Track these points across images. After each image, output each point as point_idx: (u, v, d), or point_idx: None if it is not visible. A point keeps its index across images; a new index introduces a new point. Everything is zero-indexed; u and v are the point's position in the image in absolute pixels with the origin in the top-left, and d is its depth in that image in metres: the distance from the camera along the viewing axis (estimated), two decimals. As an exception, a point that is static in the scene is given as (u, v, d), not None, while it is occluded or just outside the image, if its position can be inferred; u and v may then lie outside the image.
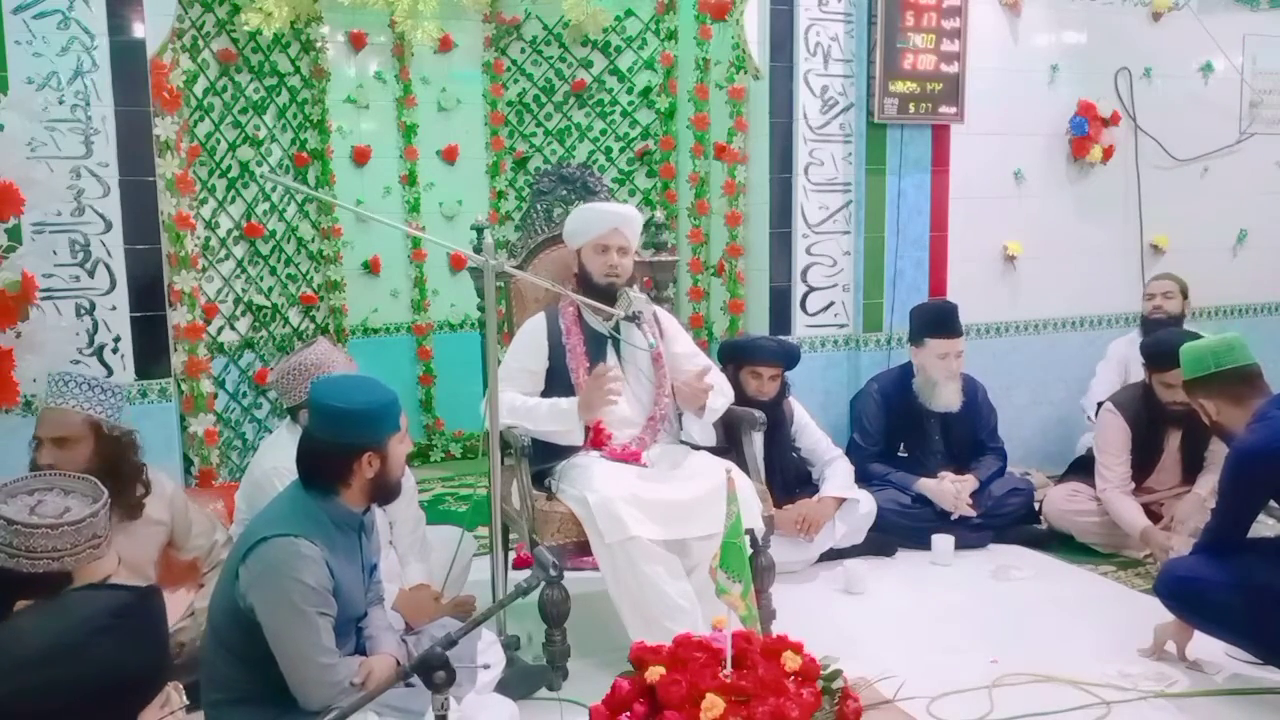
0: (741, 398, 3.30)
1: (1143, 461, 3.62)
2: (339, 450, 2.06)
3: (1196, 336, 3.15)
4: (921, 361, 3.76)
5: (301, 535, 1.99)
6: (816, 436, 3.65)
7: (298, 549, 1.97)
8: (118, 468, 2.42)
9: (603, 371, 2.79)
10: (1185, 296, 4.22)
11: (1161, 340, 3.46)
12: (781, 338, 3.87)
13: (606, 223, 2.93)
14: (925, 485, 3.67)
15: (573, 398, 2.83)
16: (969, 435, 3.81)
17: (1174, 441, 3.61)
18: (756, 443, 3.11)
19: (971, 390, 3.83)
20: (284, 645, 1.96)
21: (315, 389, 2.14)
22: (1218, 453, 3.53)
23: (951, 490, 3.63)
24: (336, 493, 2.09)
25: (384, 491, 2.15)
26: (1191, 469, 3.63)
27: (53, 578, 1.62)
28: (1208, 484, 3.49)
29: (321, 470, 2.08)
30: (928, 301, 4.07)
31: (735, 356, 3.51)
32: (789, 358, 3.56)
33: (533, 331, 2.98)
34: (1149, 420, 3.57)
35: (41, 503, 1.67)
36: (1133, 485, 3.60)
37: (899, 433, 3.80)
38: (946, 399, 3.75)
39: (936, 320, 3.76)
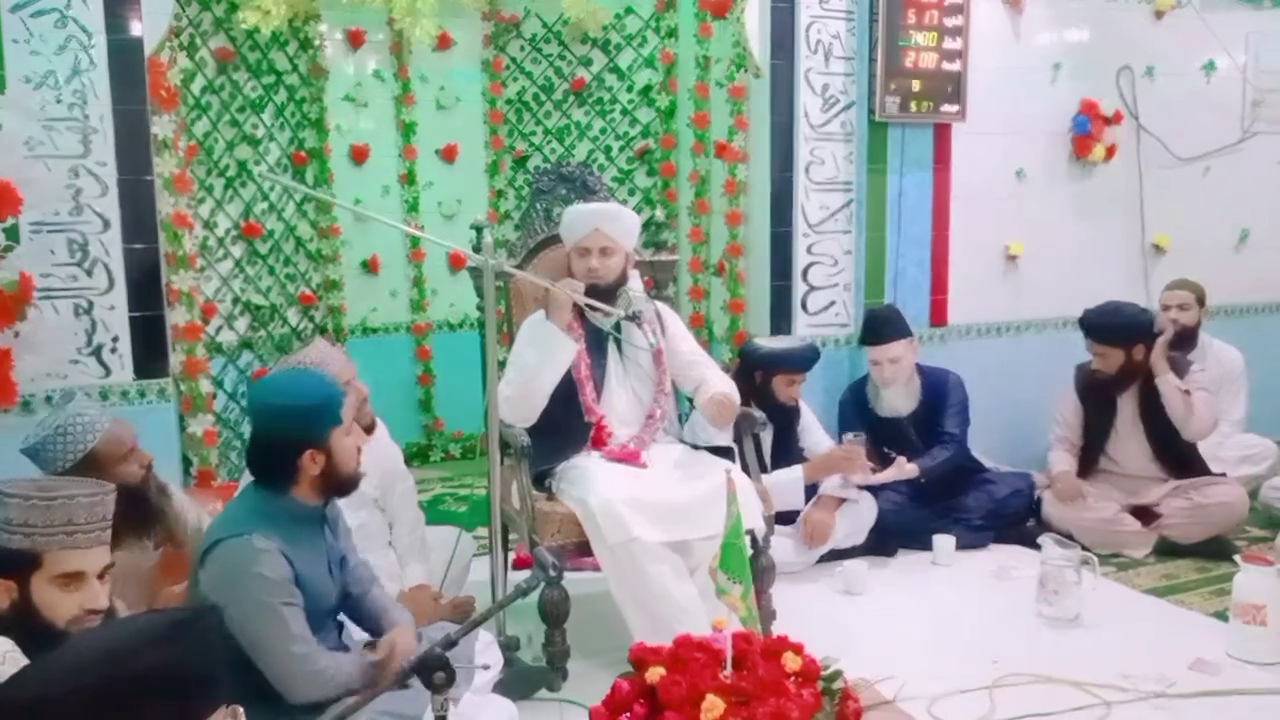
0: (769, 403, 3.35)
1: (1097, 427, 3.81)
2: (280, 449, 2.04)
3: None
4: (869, 367, 3.81)
5: (254, 531, 1.97)
6: (819, 436, 3.65)
7: (250, 544, 1.95)
8: (147, 481, 2.46)
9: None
10: (1202, 304, 4.21)
11: (1091, 312, 3.77)
12: (800, 338, 3.82)
13: (586, 225, 2.92)
14: (811, 467, 3.49)
15: (547, 322, 2.84)
16: (937, 429, 3.76)
17: (1128, 408, 3.75)
18: (759, 442, 3.11)
19: (935, 386, 3.76)
20: (255, 642, 1.94)
21: (252, 388, 2.15)
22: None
23: (838, 453, 3.49)
24: (288, 490, 2.07)
25: (337, 485, 2.11)
26: (1160, 445, 3.72)
27: (21, 557, 1.61)
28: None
29: (269, 469, 2.07)
30: (872, 306, 4.04)
31: (768, 365, 3.49)
32: (816, 359, 3.59)
33: (532, 327, 2.97)
34: (1096, 386, 3.79)
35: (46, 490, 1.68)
36: (1080, 444, 3.85)
37: (877, 435, 3.76)
38: (891, 404, 3.75)
39: (865, 328, 3.81)
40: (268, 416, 2.06)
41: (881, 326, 3.73)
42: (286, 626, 1.95)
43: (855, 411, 3.83)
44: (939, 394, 3.77)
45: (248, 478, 2.59)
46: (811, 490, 3.49)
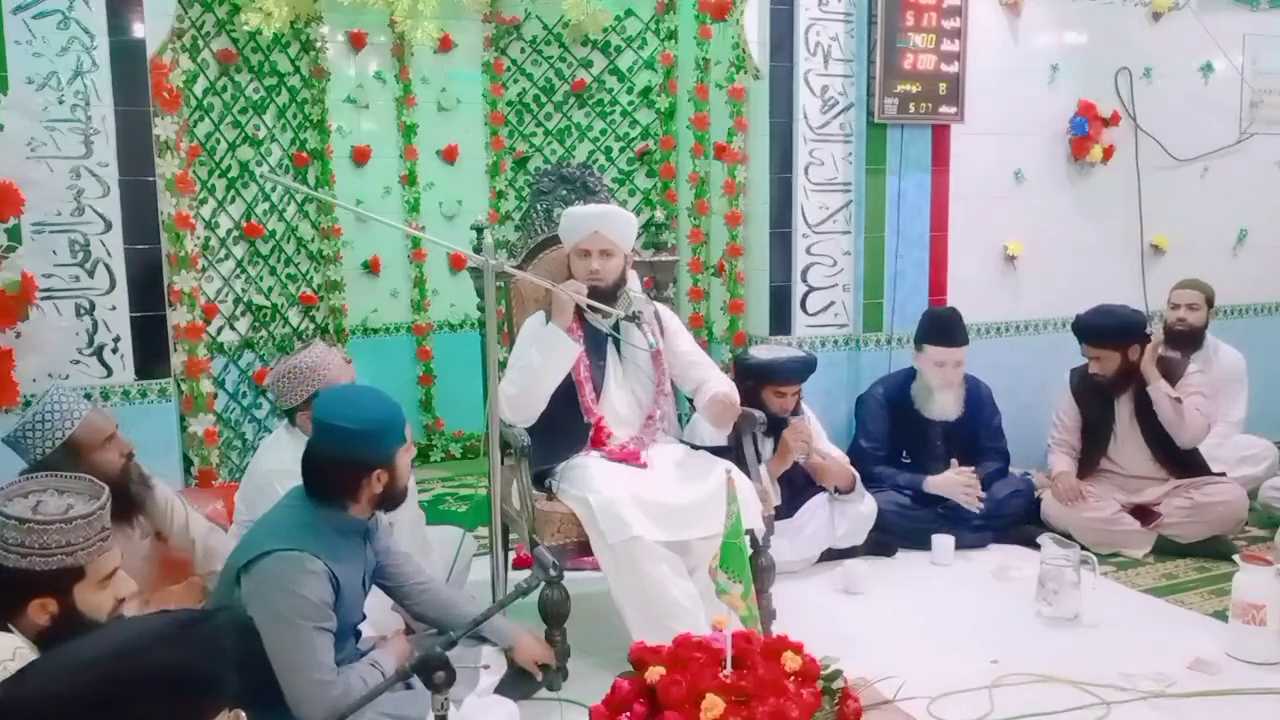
0: (763, 412, 3.31)
1: (1095, 430, 3.81)
2: (346, 468, 2.06)
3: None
4: (921, 366, 3.79)
5: (306, 550, 1.98)
6: (824, 446, 3.63)
7: (302, 564, 1.97)
8: (127, 470, 2.47)
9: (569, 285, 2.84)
10: (1211, 305, 4.24)
11: (1083, 316, 3.78)
12: (794, 350, 3.71)
13: (585, 227, 2.93)
14: (933, 483, 3.66)
15: (548, 324, 2.86)
16: (971, 440, 3.79)
17: (1125, 410, 3.76)
18: (759, 443, 3.11)
19: (974, 394, 3.82)
20: (280, 659, 1.96)
21: (319, 406, 2.12)
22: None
23: (960, 481, 3.62)
24: (344, 508, 2.09)
25: (391, 501, 2.15)
26: (1159, 446, 3.72)
27: (67, 574, 1.63)
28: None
29: (329, 487, 2.08)
30: (936, 308, 4.06)
31: (758, 377, 3.46)
32: (810, 372, 3.53)
33: (534, 328, 2.98)
34: (1092, 390, 3.78)
35: (41, 502, 1.67)
36: (1079, 446, 3.84)
37: (901, 437, 3.79)
38: (942, 407, 3.75)
39: (937, 328, 3.78)
40: (339, 439, 2.04)
41: (956, 328, 3.75)
42: (314, 652, 1.97)
43: (888, 409, 3.80)
44: (977, 403, 3.81)
45: (255, 480, 2.60)
46: (796, 495, 3.49)
